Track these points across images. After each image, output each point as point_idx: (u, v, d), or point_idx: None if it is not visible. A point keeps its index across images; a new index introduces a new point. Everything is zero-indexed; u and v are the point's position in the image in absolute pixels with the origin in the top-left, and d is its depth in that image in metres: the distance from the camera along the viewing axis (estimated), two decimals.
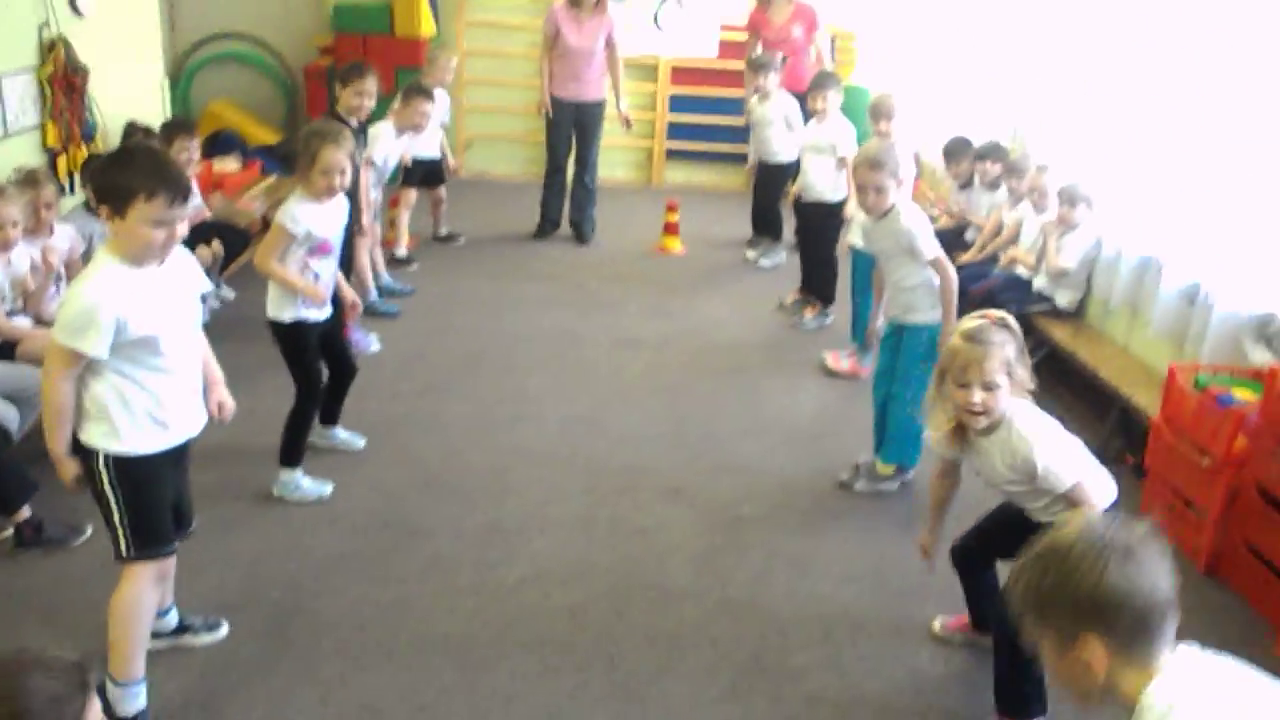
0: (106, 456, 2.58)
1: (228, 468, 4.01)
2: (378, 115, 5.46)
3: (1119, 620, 1.58)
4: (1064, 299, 5.13)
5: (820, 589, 3.49)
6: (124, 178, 2.45)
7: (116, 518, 2.63)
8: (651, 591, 3.42)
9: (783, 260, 6.87)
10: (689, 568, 3.57)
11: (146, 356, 2.55)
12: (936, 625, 3.29)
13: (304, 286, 3.67)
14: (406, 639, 3.12)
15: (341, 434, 4.22)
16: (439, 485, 4.00)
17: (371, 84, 5.10)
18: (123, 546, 2.65)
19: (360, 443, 4.27)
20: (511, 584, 3.42)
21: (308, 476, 3.89)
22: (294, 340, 3.79)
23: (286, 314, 3.73)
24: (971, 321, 2.81)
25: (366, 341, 5.16)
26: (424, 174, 6.54)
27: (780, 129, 6.48)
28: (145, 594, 2.71)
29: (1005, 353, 2.73)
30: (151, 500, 2.67)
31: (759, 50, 6.98)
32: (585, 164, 7.11)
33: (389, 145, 5.66)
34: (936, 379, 2.84)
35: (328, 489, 3.89)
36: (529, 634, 3.18)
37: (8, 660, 1.65)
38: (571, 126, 6.98)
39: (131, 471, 2.61)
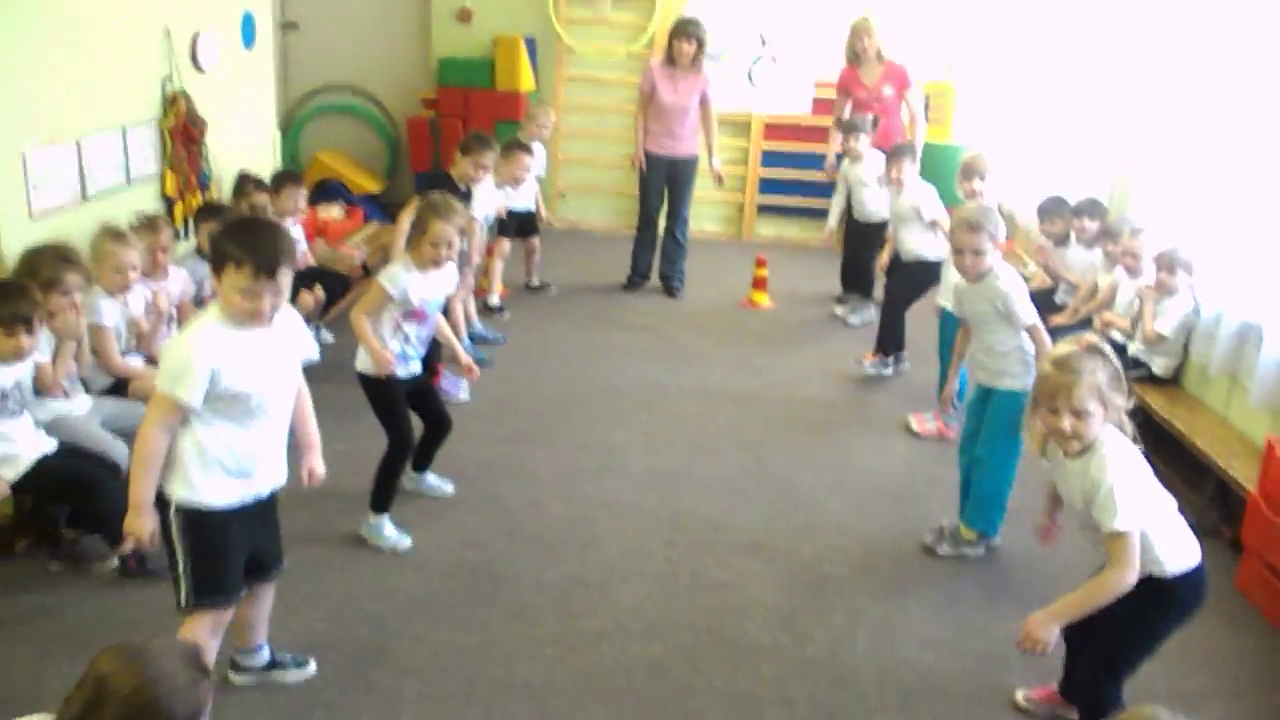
0: (177, 506, 2.67)
1: (320, 508, 4.13)
2: None
3: None
4: (1160, 365, 5.02)
5: (901, 653, 3.46)
6: (224, 243, 2.60)
7: (180, 567, 2.71)
8: (730, 648, 3.43)
9: (873, 318, 6.85)
10: (769, 625, 3.57)
11: (236, 413, 2.65)
12: (1020, 696, 3.23)
13: (376, 352, 3.76)
14: (487, 685, 3.18)
15: (431, 479, 4.32)
16: (524, 534, 4.07)
17: (491, 158, 5.32)
18: (182, 595, 2.73)
19: (449, 488, 4.36)
20: (592, 635, 3.45)
21: (393, 525, 3.96)
22: (381, 395, 3.89)
23: (373, 368, 3.83)
24: (1063, 348, 2.81)
25: (457, 389, 5.28)
26: (519, 225, 6.70)
27: (874, 189, 6.51)
28: (201, 645, 2.73)
29: (1096, 379, 2.72)
30: (216, 553, 2.73)
31: (848, 110, 7.03)
32: (677, 218, 7.21)
33: (490, 199, 5.84)
34: (1030, 405, 2.86)
35: (406, 542, 3.92)
36: (608, 686, 3.21)
37: (143, 646, 1.81)
38: (664, 181, 7.09)
39: (200, 523, 2.69)
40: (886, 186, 6.09)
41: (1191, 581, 2.82)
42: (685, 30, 6.77)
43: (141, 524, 2.67)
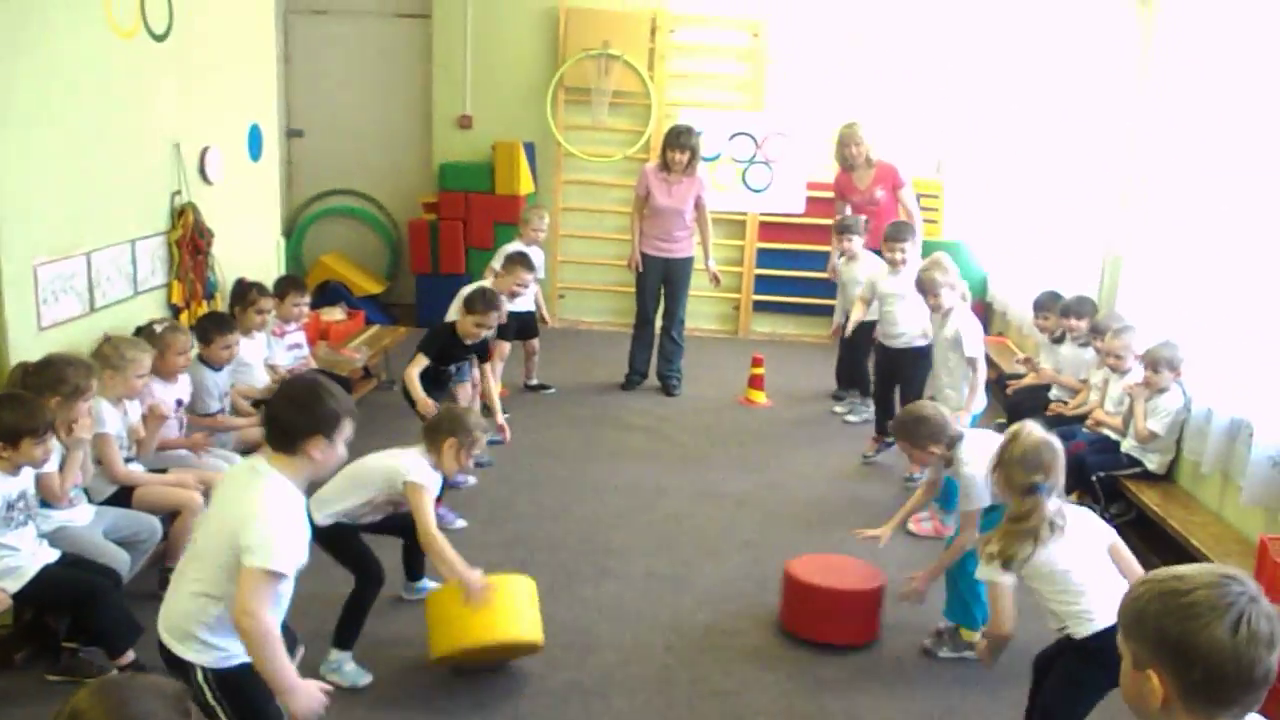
0: (206, 672, 2.65)
1: (317, 611, 4.14)
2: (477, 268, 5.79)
3: (1191, 673, 1.59)
4: (1154, 462, 5.07)
5: None
6: (333, 405, 2.71)
7: None
8: None
9: (871, 415, 6.90)
10: None
11: None
12: None
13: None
14: None
15: (430, 585, 4.32)
16: None
17: (494, 319, 5.43)
18: None
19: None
20: None
21: (354, 662, 3.80)
22: (334, 541, 3.81)
23: (320, 515, 3.74)
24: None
25: (452, 519, 5.08)
26: (519, 327, 6.80)
27: (866, 289, 6.61)
28: None
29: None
30: (262, 699, 2.67)
31: (847, 212, 7.19)
32: (673, 318, 7.32)
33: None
34: None
35: (366, 679, 3.75)
36: None
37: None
38: (660, 282, 7.22)
39: (234, 678, 2.67)
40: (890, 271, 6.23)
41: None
42: (678, 140, 6.98)
43: (308, 701, 2.58)
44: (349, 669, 3.79)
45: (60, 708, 1.66)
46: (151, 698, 1.67)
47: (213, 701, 2.65)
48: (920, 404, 4.23)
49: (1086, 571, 3.06)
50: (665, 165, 7.06)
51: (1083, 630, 3.02)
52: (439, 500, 4.58)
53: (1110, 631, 2.82)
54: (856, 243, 6.67)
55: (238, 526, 2.55)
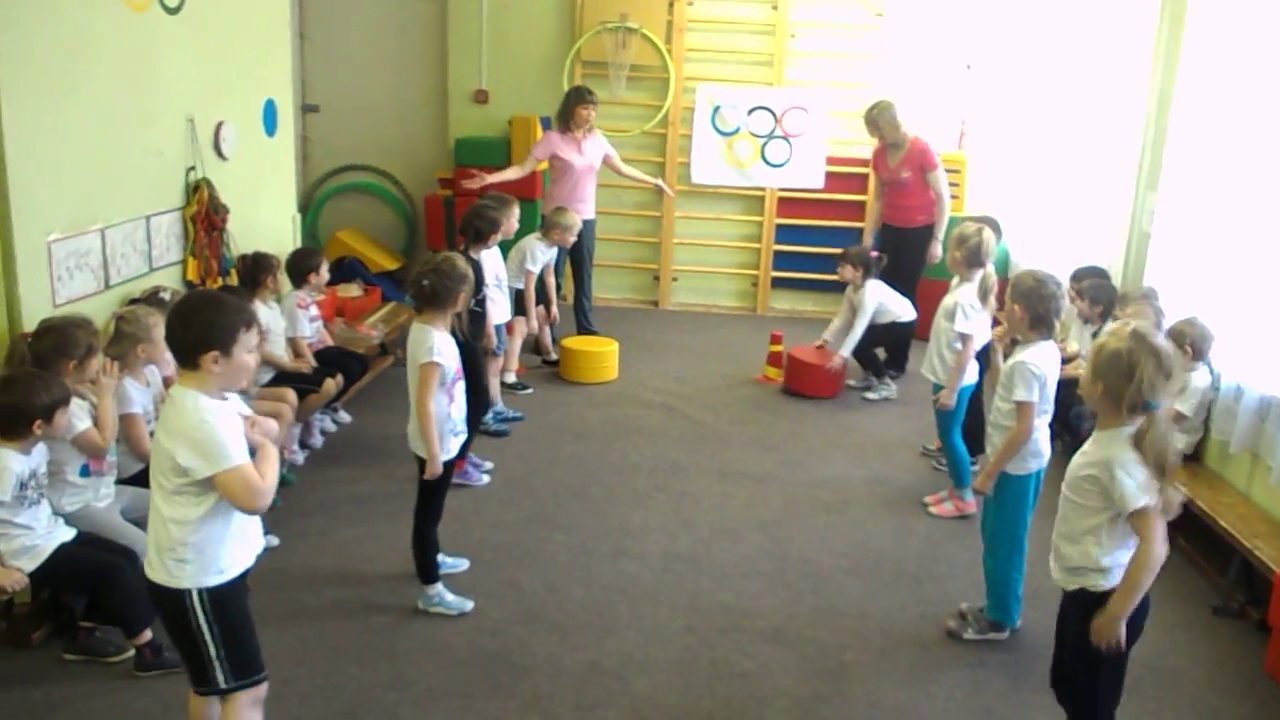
0: (201, 593, 2.68)
1: (338, 593, 4.13)
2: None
3: None
4: (1181, 443, 4.98)
5: None
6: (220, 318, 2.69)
7: (212, 652, 2.70)
8: None
9: (892, 394, 6.85)
10: (790, 716, 3.51)
11: None
12: None
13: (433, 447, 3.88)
14: None
15: (446, 560, 4.29)
16: (540, 620, 4.03)
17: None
18: (219, 680, 2.73)
19: (464, 564, 4.38)
20: None
21: (449, 590, 4.09)
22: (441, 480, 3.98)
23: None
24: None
25: (477, 476, 5.26)
26: (540, 302, 6.77)
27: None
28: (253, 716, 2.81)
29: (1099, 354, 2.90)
30: (245, 627, 2.78)
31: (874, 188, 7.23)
32: (586, 283, 7.68)
33: (544, 257, 6.39)
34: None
35: (469, 604, 4.07)
36: None
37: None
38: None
39: (225, 601, 2.71)
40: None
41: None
42: (584, 97, 7.25)
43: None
44: (450, 599, 4.07)
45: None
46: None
47: (203, 623, 2.68)
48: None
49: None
50: (570, 126, 7.24)
51: (1107, 583, 2.86)
52: (462, 461, 4.66)
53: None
54: (848, 272, 6.77)
55: (172, 451, 2.60)
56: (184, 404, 2.64)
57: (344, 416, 6.02)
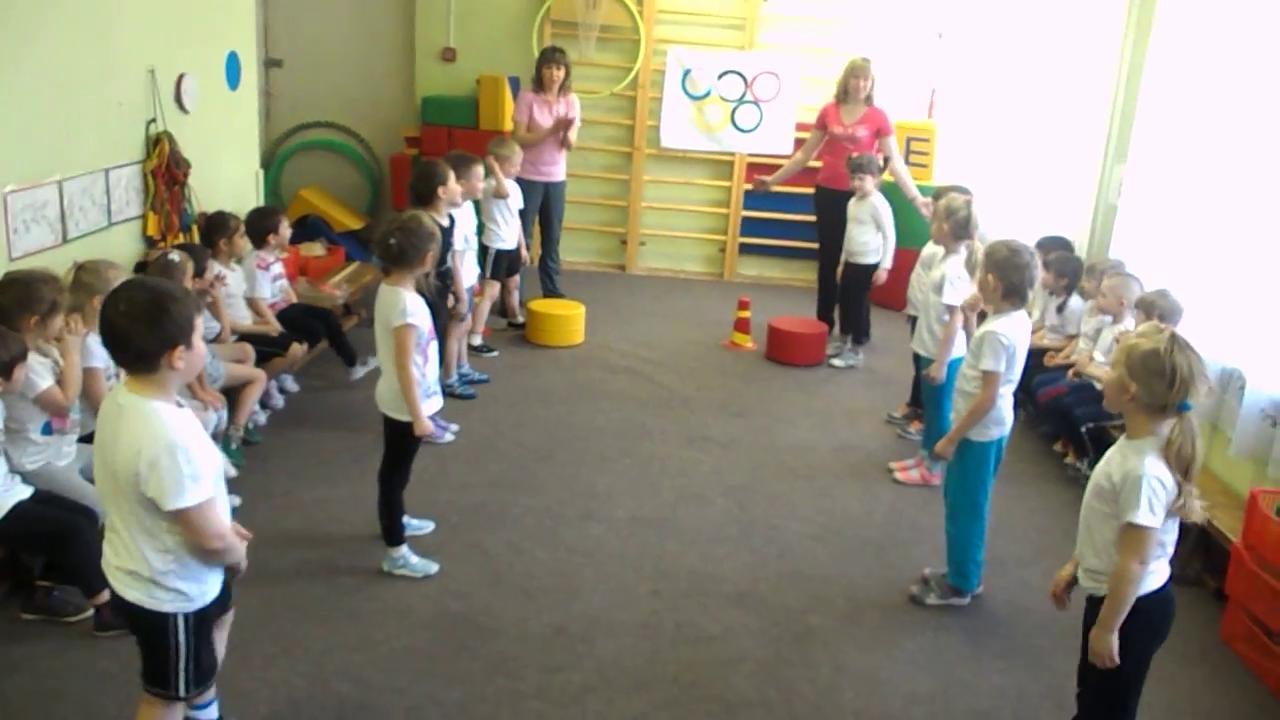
0: (186, 617, 2.56)
1: (300, 556, 4.09)
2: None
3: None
4: None
5: (889, 708, 3.43)
6: (181, 308, 2.46)
7: (181, 664, 2.59)
8: (715, 704, 3.39)
9: (859, 362, 6.87)
10: (754, 680, 3.53)
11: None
12: None
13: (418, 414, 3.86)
14: None
15: (411, 522, 4.27)
16: (506, 583, 4.02)
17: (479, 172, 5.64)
18: (180, 688, 2.61)
19: (429, 526, 4.36)
20: (575, 689, 3.41)
21: (414, 552, 4.08)
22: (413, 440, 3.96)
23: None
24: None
25: (442, 433, 5.23)
26: (508, 265, 6.71)
27: (869, 228, 6.56)
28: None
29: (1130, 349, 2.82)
30: (209, 642, 2.69)
31: (819, 145, 7.19)
32: (553, 245, 7.60)
33: (467, 220, 5.78)
34: None
35: (434, 567, 4.06)
36: None
37: None
38: (538, 208, 7.34)
39: (203, 620, 2.63)
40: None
41: (1161, 601, 2.80)
42: (554, 58, 7.16)
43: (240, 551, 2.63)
44: (415, 561, 4.05)
45: None
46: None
47: (182, 644, 2.57)
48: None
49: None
50: (541, 86, 7.14)
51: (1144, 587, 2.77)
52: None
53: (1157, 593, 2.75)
54: (869, 182, 6.59)
55: (131, 475, 2.37)
56: (140, 421, 2.39)
57: (291, 385, 5.84)
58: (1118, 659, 2.76)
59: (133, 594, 2.53)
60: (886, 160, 6.99)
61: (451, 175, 5.24)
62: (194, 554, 2.50)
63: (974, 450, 3.95)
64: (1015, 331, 3.86)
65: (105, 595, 3.54)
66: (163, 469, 2.35)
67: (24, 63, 4.22)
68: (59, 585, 3.64)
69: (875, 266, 6.60)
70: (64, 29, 4.48)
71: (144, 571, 2.49)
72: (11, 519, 3.49)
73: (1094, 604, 2.85)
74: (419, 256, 3.85)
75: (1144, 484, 2.65)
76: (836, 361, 6.90)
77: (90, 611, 3.59)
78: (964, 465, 3.99)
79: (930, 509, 4.73)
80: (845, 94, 7.03)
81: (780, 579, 4.19)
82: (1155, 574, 2.77)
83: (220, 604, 2.71)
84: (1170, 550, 2.81)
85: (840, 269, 6.82)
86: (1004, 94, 7.84)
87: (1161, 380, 2.65)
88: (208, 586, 2.59)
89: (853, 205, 6.66)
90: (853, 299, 6.87)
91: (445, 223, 5.16)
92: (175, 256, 4.48)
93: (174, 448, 2.37)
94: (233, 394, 4.78)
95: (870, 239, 6.59)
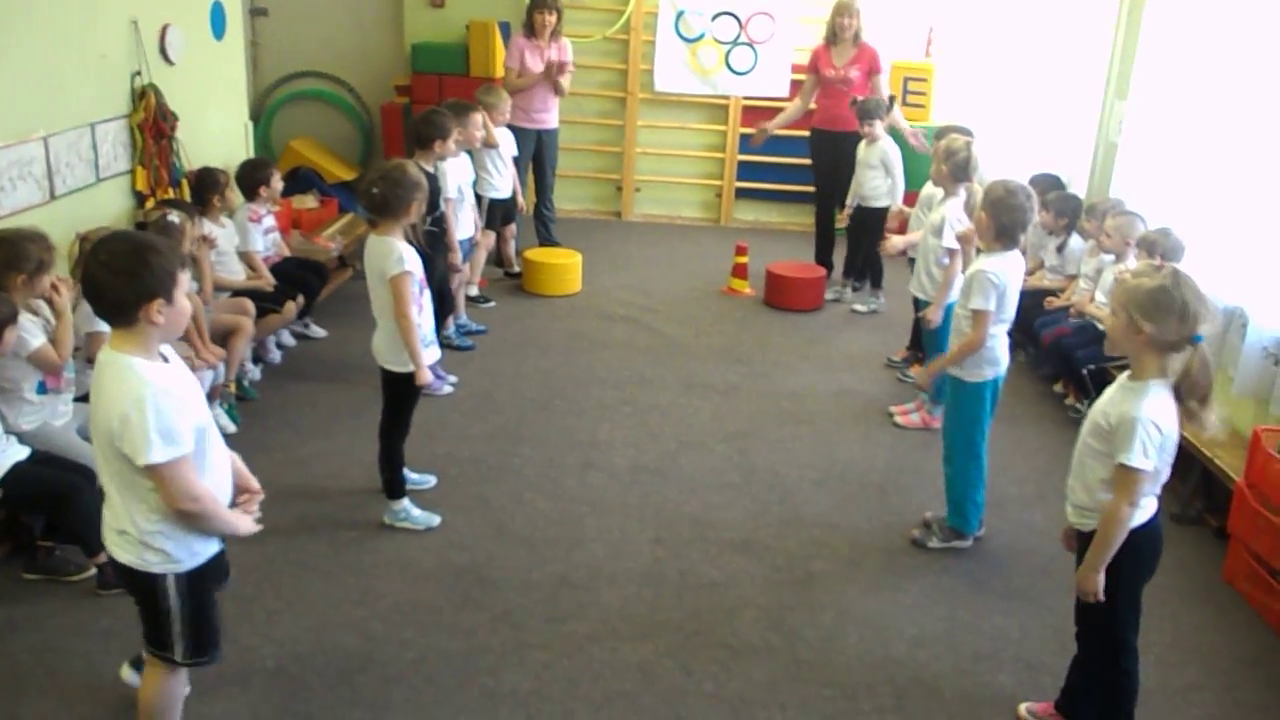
0: (177, 578, 2.51)
1: (301, 511, 4.08)
2: None
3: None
4: None
5: (892, 651, 3.44)
6: (162, 260, 2.38)
7: (177, 629, 2.56)
8: (720, 650, 3.39)
9: (881, 306, 6.85)
10: (758, 625, 3.54)
11: (207, 448, 2.49)
12: (1023, 709, 3.16)
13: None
14: (475, 693, 3.14)
15: (412, 475, 4.26)
16: (509, 534, 4.02)
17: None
18: (177, 653, 2.58)
19: (431, 480, 4.34)
20: (580, 638, 3.42)
21: (415, 506, 4.07)
22: (412, 392, 3.95)
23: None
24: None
25: (441, 384, 5.20)
26: (503, 214, 6.64)
27: (879, 173, 6.51)
28: (180, 687, 2.72)
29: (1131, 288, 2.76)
30: (209, 607, 2.62)
31: (815, 90, 7.12)
32: (546, 192, 7.55)
33: (461, 170, 5.68)
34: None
35: (436, 519, 4.05)
36: (597, 691, 3.18)
37: None
38: (531, 155, 7.28)
39: (197, 582, 2.56)
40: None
41: (1148, 536, 2.81)
42: (545, 2, 6.97)
43: (249, 525, 2.60)
44: (417, 514, 4.04)
45: None
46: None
47: (174, 606, 2.53)
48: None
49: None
50: (533, 31, 7.03)
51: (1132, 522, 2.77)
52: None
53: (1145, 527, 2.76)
54: (878, 127, 6.52)
55: (108, 430, 2.34)
56: (119, 375, 2.35)
57: (318, 331, 5.91)
58: (1103, 595, 2.78)
59: (124, 555, 2.49)
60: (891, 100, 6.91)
61: (455, 131, 5.17)
62: (169, 514, 2.42)
63: (969, 390, 3.92)
64: (1006, 270, 3.82)
65: (105, 555, 3.54)
66: (132, 424, 2.30)
67: (3, 15, 4.13)
68: (60, 545, 3.63)
69: (887, 210, 6.57)
70: None
71: (132, 531, 2.45)
72: (9, 480, 3.47)
73: (1084, 539, 2.87)
74: (404, 206, 3.78)
75: (1139, 427, 2.64)
76: (859, 306, 6.89)
77: (92, 571, 3.58)
78: (959, 406, 3.97)
79: (931, 453, 4.71)
80: (834, 35, 6.94)
81: (782, 525, 4.19)
82: (1143, 509, 2.78)
83: (218, 570, 2.66)
84: (1159, 487, 2.80)
85: (848, 212, 6.78)
86: (1002, 32, 7.73)
87: (1173, 316, 2.61)
88: (198, 548, 2.52)
89: (862, 150, 6.61)
90: (866, 244, 6.82)
91: (431, 169, 5.08)
92: (175, 218, 4.40)
93: (142, 401, 2.30)
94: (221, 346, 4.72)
95: (881, 183, 6.56)
